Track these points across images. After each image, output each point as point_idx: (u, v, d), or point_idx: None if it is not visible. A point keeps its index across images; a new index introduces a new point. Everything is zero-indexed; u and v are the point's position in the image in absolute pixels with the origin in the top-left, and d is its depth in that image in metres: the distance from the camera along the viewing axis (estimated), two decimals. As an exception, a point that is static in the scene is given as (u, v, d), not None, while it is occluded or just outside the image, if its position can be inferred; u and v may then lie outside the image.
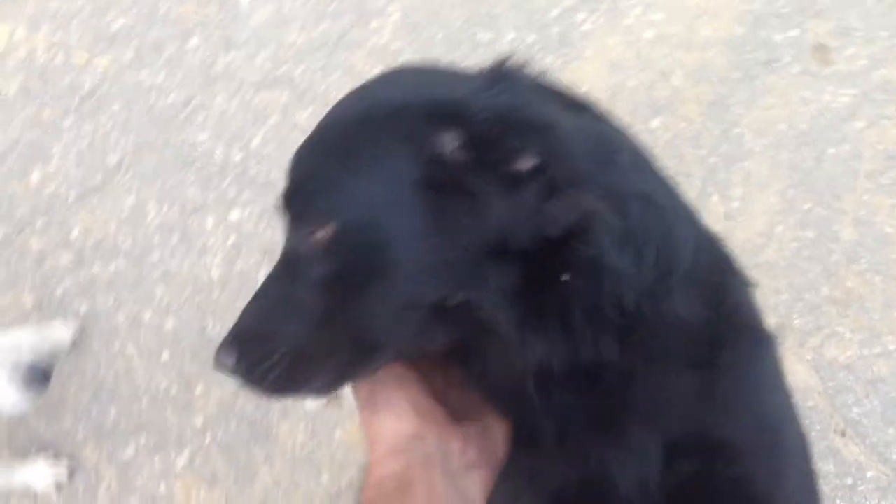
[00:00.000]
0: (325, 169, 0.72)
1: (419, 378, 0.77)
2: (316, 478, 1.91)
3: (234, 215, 2.18)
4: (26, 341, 1.47)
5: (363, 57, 2.36)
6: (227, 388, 2.02)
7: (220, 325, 2.07)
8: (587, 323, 0.71)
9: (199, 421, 2.01)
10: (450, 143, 0.68)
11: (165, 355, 2.07)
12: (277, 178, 2.21)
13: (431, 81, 0.78)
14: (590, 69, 2.32)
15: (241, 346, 0.77)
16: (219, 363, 0.77)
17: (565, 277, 0.70)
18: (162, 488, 1.96)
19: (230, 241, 2.16)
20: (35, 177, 2.27)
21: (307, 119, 2.28)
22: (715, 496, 0.81)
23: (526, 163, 0.66)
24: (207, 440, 1.99)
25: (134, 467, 1.99)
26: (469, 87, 0.72)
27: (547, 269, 0.69)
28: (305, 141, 0.77)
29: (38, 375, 1.43)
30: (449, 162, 0.68)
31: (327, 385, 0.76)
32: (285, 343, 0.74)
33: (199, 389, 2.03)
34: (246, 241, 2.16)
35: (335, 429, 1.94)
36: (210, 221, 2.18)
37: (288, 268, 0.76)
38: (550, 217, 0.68)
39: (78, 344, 2.07)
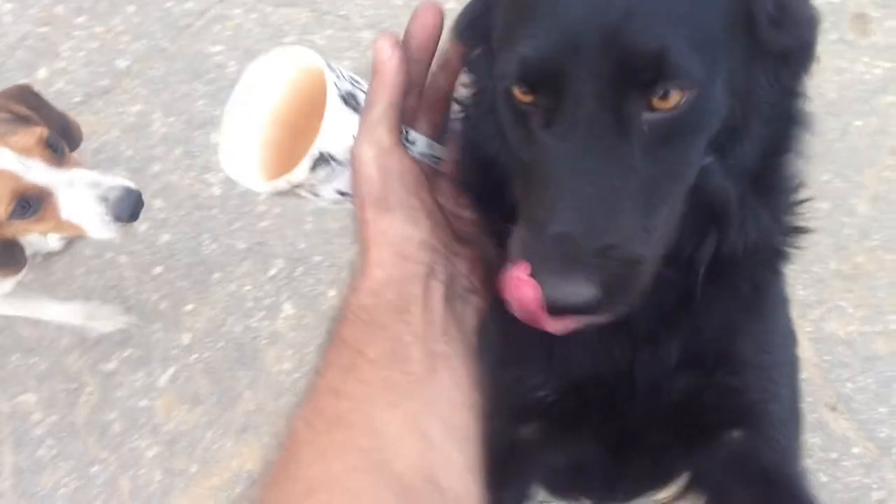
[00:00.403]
0: (676, 26, 0.59)
1: (434, 188, 0.71)
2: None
3: (240, 133, 2.13)
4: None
5: (386, -18, 2.29)
6: (217, 308, 2.00)
7: (217, 244, 2.05)
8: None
9: (185, 339, 1.99)
10: None
11: (158, 269, 2.04)
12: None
13: None
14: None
15: (598, 266, 0.59)
16: (570, 296, 0.59)
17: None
18: (143, 403, 1.95)
19: (234, 159, 2.11)
20: (42, 73, 2.22)
21: (326, 41, 2.22)
22: (710, 402, 0.83)
23: None
24: (193, 359, 1.97)
25: (116, 379, 1.97)
26: None
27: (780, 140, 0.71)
28: None
29: (130, 205, 1.45)
30: None
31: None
32: (640, 243, 0.61)
33: (189, 307, 2.01)
34: (249, 161, 2.11)
35: (323, 358, 1.92)
36: (215, 137, 2.14)
37: (609, 144, 0.60)
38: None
39: (70, 249, 2.05)
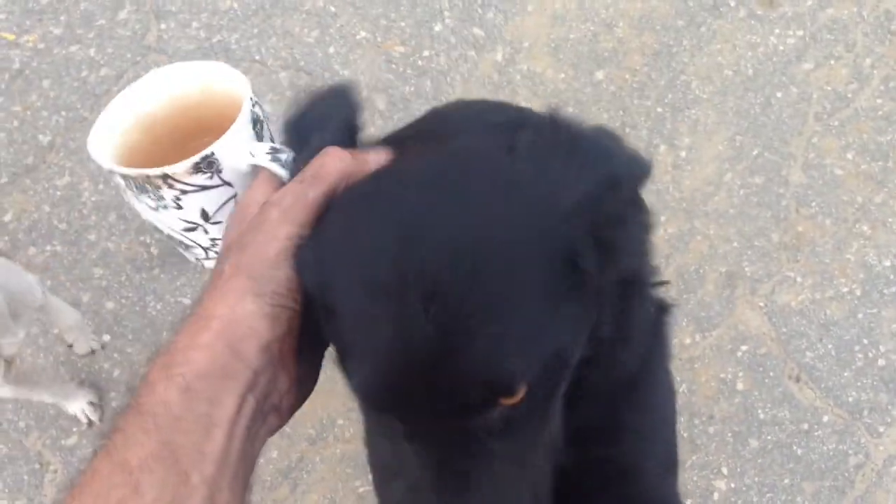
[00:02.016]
0: (492, 317, 0.56)
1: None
2: (266, 454, 1.87)
3: (172, 190, 2.12)
4: None
5: (300, 21, 2.29)
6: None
7: (162, 303, 2.02)
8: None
9: (143, 402, 1.96)
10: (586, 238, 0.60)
11: (106, 337, 2.01)
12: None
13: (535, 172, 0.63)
14: (531, 23, 2.26)
15: None
16: None
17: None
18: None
19: (169, 218, 2.10)
20: (-36, 159, 2.20)
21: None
22: (589, 471, 0.82)
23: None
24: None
25: (79, 454, 1.94)
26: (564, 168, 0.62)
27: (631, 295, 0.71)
28: (435, 277, 0.56)
29: None
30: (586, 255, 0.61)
31: None
32: None
33: (143, 371, 1.97)
34: (185, 217, 2.10)
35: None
36: (147, 198, 2.12)
37: (460, 451, 0.62)
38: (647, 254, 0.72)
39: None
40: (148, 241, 2.08)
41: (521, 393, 0.58)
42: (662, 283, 0.83)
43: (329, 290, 0.59)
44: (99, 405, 1.96)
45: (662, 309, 0.86)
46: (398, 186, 0.61)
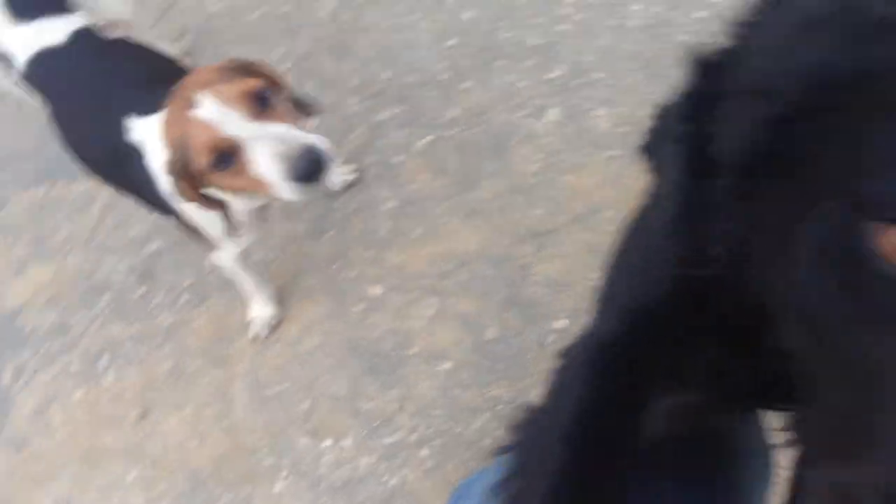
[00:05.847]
0: None
1: None
2: (529, 209, 1.86)
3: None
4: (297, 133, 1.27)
5: None
6: (490, 93, 2.00)
7: (511, 33, 2.03)
8: None
9: (452, 113, 2.02)
10: None
11: (452, 41, 2.08)
12: None
13: None
14: None
15: None
16: None
17: None
18: (395, 159, 2.03)
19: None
20: None
21: None
22: None
23: None
24: (451, 133, 2.00)
25: (382, 130, 2.07)
26: None
27: None
28: None
29: (307, 165, 1.24)
30: None
31: None
32: None
33: (465, 84, 2.03)
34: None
35: (566, 174, 1.85)
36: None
37: None
38: None
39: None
40: None
41: None
42: None
43: None
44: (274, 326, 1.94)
45: None
46: None
